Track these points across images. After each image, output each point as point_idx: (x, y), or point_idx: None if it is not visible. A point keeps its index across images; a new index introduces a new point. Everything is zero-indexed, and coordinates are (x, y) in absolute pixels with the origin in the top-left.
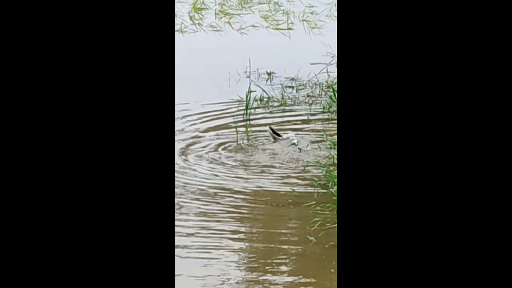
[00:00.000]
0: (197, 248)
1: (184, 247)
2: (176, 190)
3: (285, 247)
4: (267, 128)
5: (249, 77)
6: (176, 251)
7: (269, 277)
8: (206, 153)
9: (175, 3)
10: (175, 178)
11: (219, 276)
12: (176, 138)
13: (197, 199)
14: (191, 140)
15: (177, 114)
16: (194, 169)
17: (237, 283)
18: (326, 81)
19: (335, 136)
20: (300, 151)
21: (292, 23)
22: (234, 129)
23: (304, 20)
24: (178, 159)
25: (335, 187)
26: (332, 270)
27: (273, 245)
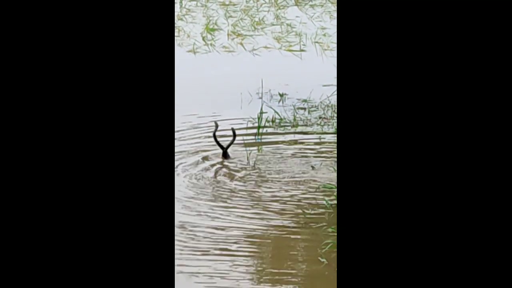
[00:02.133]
0: (205, 269)
1: (191, 273)
2: (182, 200)
3: (296, 269)
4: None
5: (261, 98)
6: (181, 271)
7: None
8: (217, 171)
9: (187, 24)
10: (184, 188)
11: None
12: (183, 158)
13: (206, 214)
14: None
15: (185, 134)
16: (205, 182)
17: None
18: None
19: None
20: (313, 169)
21: (304, 45)
22: (244, 149)
23: (317, 42)
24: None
25: None
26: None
27: (284, 266)
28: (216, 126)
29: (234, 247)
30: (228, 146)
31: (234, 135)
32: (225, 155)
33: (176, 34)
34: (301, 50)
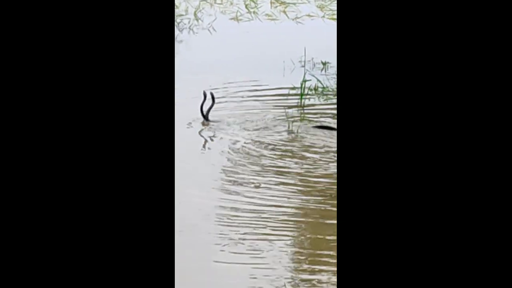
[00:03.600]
0: (244, 240)
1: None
2: (217, 174)
3: (332, 239)
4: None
5: (304, 66)
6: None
7: (315, 266)
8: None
9: None
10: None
11: (265, 264)
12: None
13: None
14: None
15: (226, 104)
16: (242, 154)
17: (284, 270)
18: None
19: None
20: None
21: None
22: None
23: None
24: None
25: None
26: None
27: (322, 237)
28: (205, 96)
29: (272, 220)
30: (208, 110)
31: (213, 100)
32: (206, 119)
33: (219, 1)
34: None
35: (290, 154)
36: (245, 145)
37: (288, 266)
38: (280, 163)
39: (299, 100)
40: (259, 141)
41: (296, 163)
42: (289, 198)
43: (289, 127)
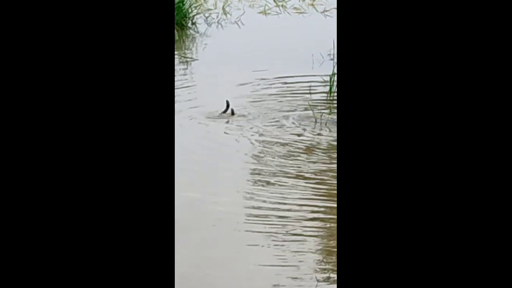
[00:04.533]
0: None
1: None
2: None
3: None
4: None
5: (332, 59)
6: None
7: None
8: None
9: None
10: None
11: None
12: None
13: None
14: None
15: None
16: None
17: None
18: None
19: None
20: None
21: None
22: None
23: None
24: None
25: None
26: None
27: None
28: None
29: (299, 221)
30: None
31: (227, 106)
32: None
33: None
34: None
35: (316, 151)
36: (268, 142)
37: (314, 270)
38: (304, 160)
39: (328, 94)
40: (282, 138)
41: (321, 161)
42: (312, 199)
43: (315, 121)
